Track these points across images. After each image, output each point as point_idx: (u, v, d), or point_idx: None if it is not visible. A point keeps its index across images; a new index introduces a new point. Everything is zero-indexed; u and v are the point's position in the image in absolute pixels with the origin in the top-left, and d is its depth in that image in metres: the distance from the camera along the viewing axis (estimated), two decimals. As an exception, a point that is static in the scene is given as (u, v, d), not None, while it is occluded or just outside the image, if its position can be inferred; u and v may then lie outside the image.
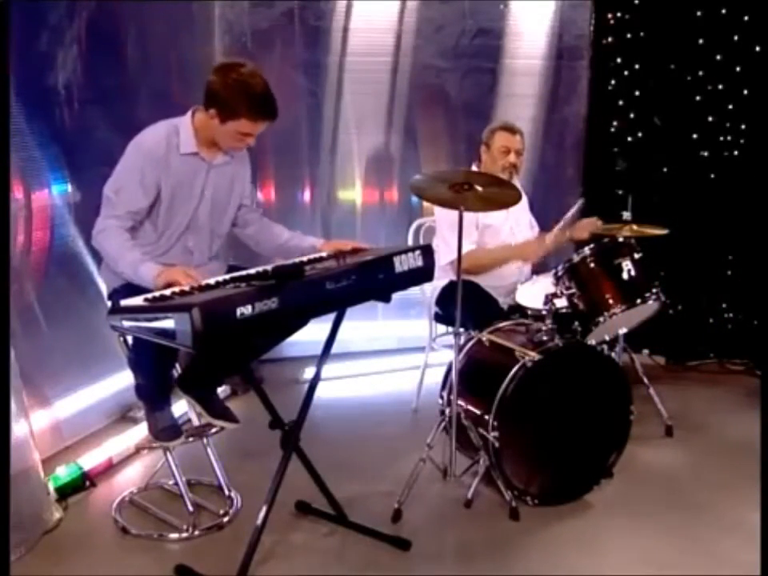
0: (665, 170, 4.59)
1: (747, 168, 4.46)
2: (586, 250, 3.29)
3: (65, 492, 2.94)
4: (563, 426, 2.98)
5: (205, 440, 3.00)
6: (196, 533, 2.76)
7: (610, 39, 4.60)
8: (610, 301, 3.24)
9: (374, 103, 4.63)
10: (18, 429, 2.62)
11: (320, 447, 2.89)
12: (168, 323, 2.05)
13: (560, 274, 3.28)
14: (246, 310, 2.08)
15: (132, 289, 2.54)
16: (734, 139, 4.48)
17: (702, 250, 4.56)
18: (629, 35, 4.55)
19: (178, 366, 2.97)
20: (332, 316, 2.68)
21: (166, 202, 2.70)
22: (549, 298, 3.10)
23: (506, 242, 3.66)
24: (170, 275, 2.41)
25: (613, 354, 3.18)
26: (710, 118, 4.48)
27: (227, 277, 2.41)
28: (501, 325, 3.21)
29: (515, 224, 3.72)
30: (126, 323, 2.19)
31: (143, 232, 2.73)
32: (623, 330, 3.56)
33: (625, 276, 3.27)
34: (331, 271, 2.39)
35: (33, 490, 2.68)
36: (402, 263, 2.59)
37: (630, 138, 4.62)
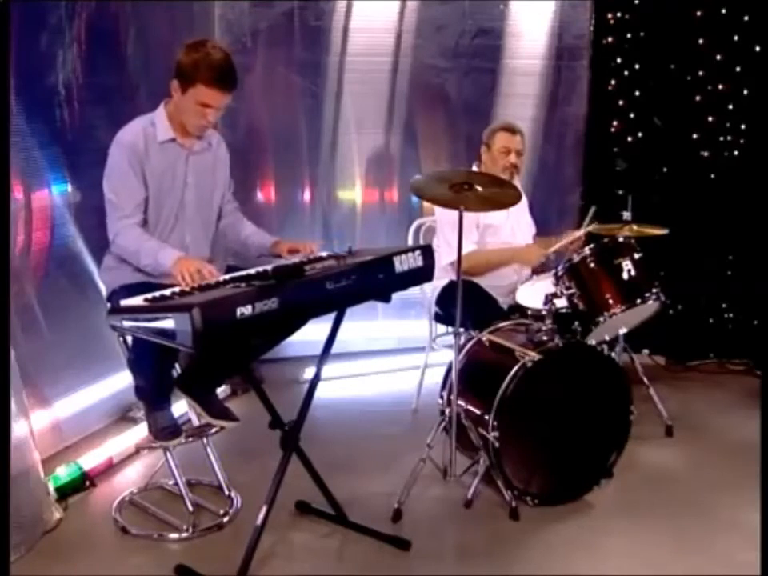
0: (665, 170, 4.60)
1: (747, 168, 4.46)
2: (586, 250, 3.29)
3: (65, 492, 2.94)
4: (563, 425, 2.98)
5: (205, 440, 3.00)
6: (196, 533, 2.75)
7: (610, 39, 4.60)
8: (610, 301, 3.24)
9: (374, 103, 4.63)
10: (18, 429, 2.61)
11: (320, 447, 2.89)
12: (168, 323, 2.06)
13: (560, 273, 3.28)
14: (246, 310, 2.08)
15: (131, 290, 2.54)
16: (734, 139, 4.48)
17: (702, 250, 4.56)
18: (629, 35, 4.55)
19: (177, 366, 2.97)
20: (332, 316, 2.68)
21: (153, 194, 2.72)
22: (549, 298, 3.10)
23: (507, 242, 3.66)
24: (187, 265, 2.43)
25: (613, 354, 3.18)
26: (710, 118, 4.48)
27: (227, 277, 2.41)
28: (501, 325, 3.21)
29: (516, 224, 3.72)
30: (126, 323, 2.19)
31: None
32: (623, 330, 3.56)
33: (625, 276, 3.27)
34: (331, 271, 2.39)
35: (33, 490, 2.68)
36: (402, 263, 2.59)
37: (629, 138, 4.62)
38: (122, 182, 2.66)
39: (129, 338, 2.80)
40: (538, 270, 3.60)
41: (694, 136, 4.51)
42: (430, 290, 3.72)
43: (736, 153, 4.49)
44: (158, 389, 2.81)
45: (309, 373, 3.94)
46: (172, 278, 2.47)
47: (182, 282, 2.38)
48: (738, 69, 4.39)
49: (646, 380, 3.77)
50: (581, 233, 3.53)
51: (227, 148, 2.99)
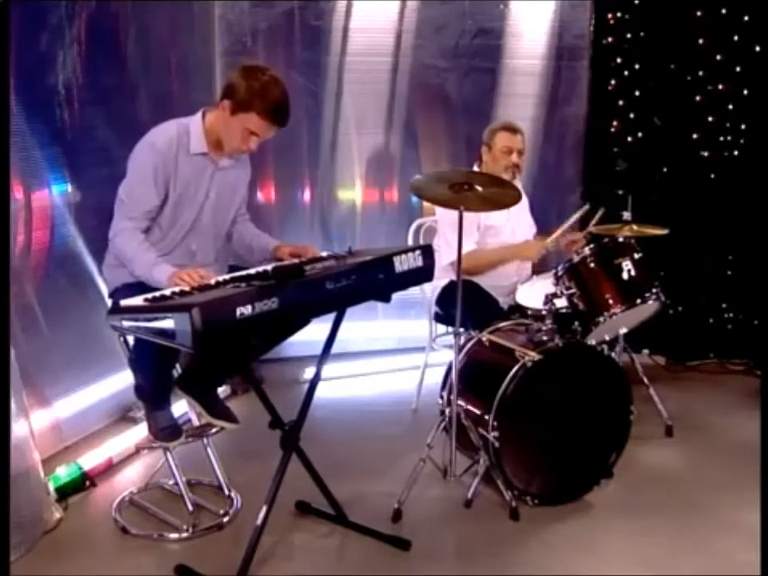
0: (665, 170, 4.59)
1: (747, 168, 4.46)
2: (586, 250, 3.29)
3: (65, 492, 2.94)
4: (563, 425, 2.98)
5: (205, 440, 3.00)
6: (196, 533, 2.75)
7: (609, 39, 4.60)
8: (610, 301, 3.24)
9: (374, 103, 4.63)
10: (18, 429, 2.61)
11: (320, 447, 2.89)
12: (168, 323, 2.06)
13: (560, 273, 3.28)
14: (245, 310, 2.08)
15: (132, 288, 2.54)
16: (734, 139, 4.48)
17: (702, 249, 4.56)
18: (629, 35, 4.55)
19: (178, 365, 2.97)
20: (332, 316, 2.68)
21: (172, 202, 2.71)
22: (549, 298, 3.10)
23: (508, 243, 3.66)
24: (177, 275, 2.43)
25: (613, 354, 3.18)
26: (710, 118, 4.48)
27: (227, 277, 2.41)
28: (501, 325, 3.21)
29: (516, 225, 3.72)
30: (126, 323, 2.19)
31: (150, 233, 2.74)
32: (623, 330, 3.56)
33: (625, 276, 3.27)
34: (331, 271, 2.39)
35: (33, 489, 2.68)
36: (402, 263, 2.59)
37: (629, 138, 4.62)
38: (139, 185, 2.65)
39: (130, 338, 2.80)
40: (538, 269, 3.61)
41: (694, 136, 4.51)
42: (430, 290, 3.72)
43: (736, 153, 4.49)
44: (158, 388, 2.81)
45: (309, 373, 3.94)
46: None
47: (182, 284, 2.38)
48: (737, 69, 4.39)
49: (646, 380, 3.77)
50: (574, 218, 3.53)
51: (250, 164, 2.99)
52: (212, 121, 2.72)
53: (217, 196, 2.80)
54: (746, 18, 4.33)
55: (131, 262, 2.63)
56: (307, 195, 4.67)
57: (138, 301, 2.21)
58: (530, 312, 3.26)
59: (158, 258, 2.60)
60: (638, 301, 3.27)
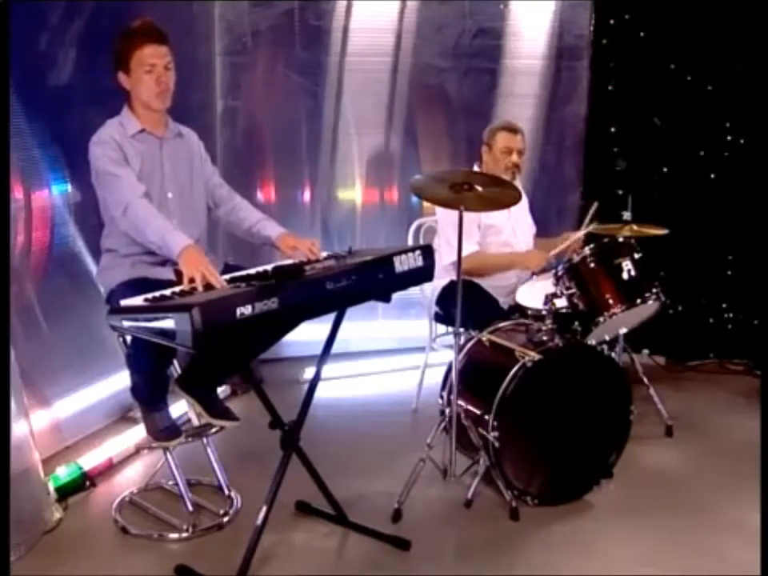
0: (665, 170, 4.59)
1: (747, 168, 4.46)
2: (586, 250, 3.30)
3: (65, 492, 2.93)
4: (563, 425, 2.98)
5: (205, 440, 3.01)
6: (196, 533, 2.76)
7: (609, 39, 4.60)
8: (610, 301, 3.24)
9: (373, 103, 4.63)
10: (18, 429, 2.61)
11: (320, 447, 2.89)
12: (168, 323, 2.05)
13: (560, 274, 3.28)
14: (245, 310, 2.08)
15: (129, 286, 2.55)
16: (734, 139, 4.48)
17: (702, 249, 4.56)
18: (628, 36, 4.55)
19: (177, 365, 2.97)
20: (332, 316, 2.68)
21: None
22: (549, 298, 3.10)
23: (508, 242, 3.67)
24: (196, 264, 2.38)
25: (613, 354, 3.18)
26: (710, 118, 4.48)
27: (227, 277, 2.41)
28: (501, 325, 3.21)
29: (517, 224, 3.72)
30: (126, 323, 2.19)
31: None
32: (623, 330, 3.56)
33: (625, 276, 3.27)
34: (331, 271, 2.39)
35: (33, 490, 2.68)
36: (402, 263, 2.59)
37: (629, 138, 4.62)
38: (117, 161, 2.67)
39: (128, 337, 2.79)
40: (538, 271, 3.60)
41: (694, 136, 4.52)
42: (430, 290, 3.72)
43: (736, 153, 4.49)
44: (154, 388, 2.81)
45: (309, 373, 3.94)
46: (174, 266, 2.46)
47: (185, 283, 2.36)
48: (737, 69, 4.39)
49: (646, 380, 3.77)
50: (581, 233, 3.54)
51: (199, 139, 3.00)
52: (130, 100, 2.80)
53: (172, 167, 2.82)
54: (747, 18, 4.32)
55: (144, 228, 2.58)
56: (307, 195, 4.67)
57: (138, 301, 2.21)
58: (530, 312, 3.26)
59: (171, 225, 2.59)
60: (638, 301, 3.27)
